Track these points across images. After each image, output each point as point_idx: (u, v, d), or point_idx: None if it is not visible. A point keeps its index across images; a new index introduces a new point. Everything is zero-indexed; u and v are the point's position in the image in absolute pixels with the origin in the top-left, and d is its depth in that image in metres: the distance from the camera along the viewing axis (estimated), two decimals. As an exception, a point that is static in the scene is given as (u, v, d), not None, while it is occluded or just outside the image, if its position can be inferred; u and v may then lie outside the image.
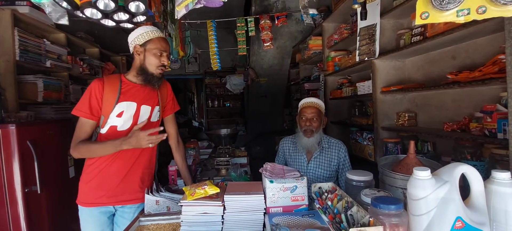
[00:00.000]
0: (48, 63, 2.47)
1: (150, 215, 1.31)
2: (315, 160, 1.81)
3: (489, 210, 0.82)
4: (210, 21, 3.23)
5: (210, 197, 1.14)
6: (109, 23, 1.13)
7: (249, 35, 3.38)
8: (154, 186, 1.44)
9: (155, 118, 1.50)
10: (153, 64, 1.39)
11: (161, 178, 1.98)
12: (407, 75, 2.19)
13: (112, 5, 1.14)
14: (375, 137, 2.23)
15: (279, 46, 4.23)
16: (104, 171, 1.37)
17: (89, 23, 3.40)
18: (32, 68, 2.36)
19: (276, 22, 3.31)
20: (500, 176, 0.83)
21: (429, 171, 0.82)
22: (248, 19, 3.27)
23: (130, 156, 1.42)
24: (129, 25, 1.22)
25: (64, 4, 1.09)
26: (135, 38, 1.40)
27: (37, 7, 2.40)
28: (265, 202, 1.13)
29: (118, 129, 1.39)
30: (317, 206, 1.11)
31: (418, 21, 0.75)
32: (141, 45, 1.39)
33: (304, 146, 1.80)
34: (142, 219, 1.28)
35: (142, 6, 1.21)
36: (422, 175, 0.82)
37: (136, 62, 1.43)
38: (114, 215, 1.45)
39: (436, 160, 1.41)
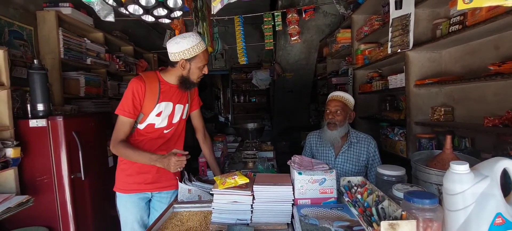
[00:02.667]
0: (88, 61, 2.66)
1: (183, 202, 1.39)
2: (343, 155, 1.79)
3: (534, 208, 0.77)
4: (237, 17, 3.28)
5: (240, 187, 1.17)
6: (149, 18, 1.20)
7: (276, 29, 3.37)
8: (186, 176, 1.52)
9: (185, 115, 1.60)
10: (196, 76, 1.45)
11: (190, 169, 2.07)
12: (444, 67, 2.07)
13: (153, 1, 1.21)
14: (408, 132, 2.15)
15: (306, 40, 4.18)
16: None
17: (123, 22, 3.60)
18: (75, 65, 2.55)
19: (304, 15, 3.27)
20: (548, 172, 0.77)
21: (467, 164, 0.79)
22: (275, 14, 3.27)
23: (166, 149, 1.52)
24: (167, 20, 1.28)
25: (111, 1, 1.17)
26: (181, 52, 1.38)
27: (78, 8, 2.59)
28: (293, 194, 1.15)
29: (156, 126, 1.48)
30: (346, 199, 1.10)
31: (460, 6, 0.72)
32: (187, 60, 1.41)
33: (327, 139, 1.80)
34: (176, 206, 1.36)
35: (179, 1, 1.26)
36: (459, 169, 0.79)
37: (177, 71, 1.44)
38: (150, 200, 1.55)
39: (475, 157, 1.33)
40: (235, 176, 1.20)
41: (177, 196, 1.45)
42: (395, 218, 0.84)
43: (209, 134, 1.80)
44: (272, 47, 3.49)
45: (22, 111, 2.01)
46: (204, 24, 2.26)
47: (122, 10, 1.17)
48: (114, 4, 1.15)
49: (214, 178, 1.26)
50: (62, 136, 1.91)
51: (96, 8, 1.24)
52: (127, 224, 1.50)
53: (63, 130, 1.91)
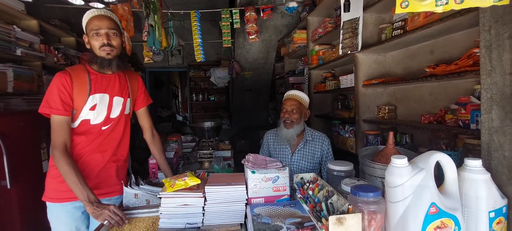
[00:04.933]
0: (18, 52, 2.32)
1: (128, 208, 1.27)
2: (299, 153, 1.83)
3: (461, 196, 0.85)
4: (193, 12, 3.16)
5: (191, 189, 1.11)
6: (77, 1, 1.05)
7: (234, 27, 3.33)
8: (133, 179, 1.39)
9: (127, 110, 1.45)
10: (97, 45, 1.27)
11: (142, 172, 1.93)
12: (388, 69, 2.23)
13: (79, -20, 1.06)
14: (357, 130, 2.28)
15: (264, 40, 4.21)
16: (78, 164, 1.30)
17: (65, 10, 3.24)
18: (1, 57, 2.21)
19: (262, 14, 3.28)
20: (472, 163, 0.86)
21: (406, 159, 0.84)
22: (233, 11, 3.22)
23: (107, 149, 1.38)
24: (100, 5, 1.15)
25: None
26: (84, 29, 1.31)
27: (6, -9, 2.25)
28: (247, 193, 1.12)
29: (91, 122, 1.32)
30: (299, 196, 1.11)
31: (398, 10, 0.76)
32: (85, 34, 1.32)
33: (284, 137, 1.82)
34: (120, 212, 1.24)
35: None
36: (399, 163, 0.83)
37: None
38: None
39: (413, 151, 1.45)
40: (186, 177, 1.14)
41: (121, 202, 1.33)
42: (343, 212, 0.86)
43: (164, 133, 1.68)
44: (230, 45, 3.44)
45: None
46: (156, 16, 2.13)
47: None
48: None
49: (163, 180, 1.18)
50: (-19, 137, 1.64)
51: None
52: None
53: (-18, 130, 1.64)
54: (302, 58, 3.61)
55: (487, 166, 0.94)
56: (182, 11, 3.11)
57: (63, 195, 1.28)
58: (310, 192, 1.09)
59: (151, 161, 1.73)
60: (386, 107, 2.10)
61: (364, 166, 1.24)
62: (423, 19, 1.53)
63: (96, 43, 1.28)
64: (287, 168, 1.18)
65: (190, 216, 1.07)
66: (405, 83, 1.87)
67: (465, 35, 1.56)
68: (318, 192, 1.07)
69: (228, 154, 2.48)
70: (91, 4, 1.10)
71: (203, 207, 1.08)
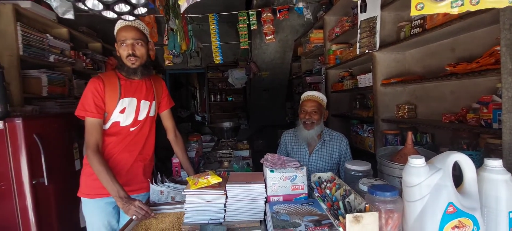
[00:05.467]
0: (51, 58, 2.50)
1: (155, 204, 1.36)
2: (317, 153, 1.84)
3: (480, 196, 0.85)
4: (212, 15, 3.24)
5: (213, 186, 1.18)
6: (110, 15, 1.14)
7: (251, 28, 3.39)
8: (159, 177, 1.48)
9: (152, 112, 1.55)
10: (124, 55, 1.39)
11: (165, 170, 2.03)
12: (407, 67, 2.20)
13: (113, -5, 1.15)
14: (375, 129, 2.26)
15: (281, 40, 4.24)
16: (109, 163, 1.41)
17: (90, 17, 3.42)
18: (36, 63, 2.39)
19: (278, 15, 3.31)
20: (492, 163, 0.86)
21: (423, 159, 0.85)
22: (250, 13, 3.28)
23: (134, 149, 1.47)
24: (131, 17, 1.23)
25: (68, -5, 1.11)
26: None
27: (39, 2, 2.42)
28: (266, 191, 1.17)
29: (121, 124, 1.43)
30: (316, 194, 1.14)
31: (413, 12, 0.77)
32: (116, 41, 1.43)
33: (304, 138, 1.83)
34: (147, 208, 1.32)
35: (142, -3, 1.20)
36: (416, 162, 0.85)
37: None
38: (119, 204, 1.50)
39: (434, 151, 1.43)
40: (208, 176, 1.20)
41: (148, 198, 1.42)
42: (360, 211, 0.89)
43: (184, 133, 1.77)
44: (247, 46, 3.51)
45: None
46: (177, 21, 2.22)
47: (80, 5, 1.10)
48: (72, -1, 1.08)
49: (187, 178, 1.25)
50: (22, 138, 1.79)
51: (54, 4, 1.17)
52: (93, 229, 1.44)
53: (23, 132, 1.79)
54: (319, 58, 3.60)
55: (509, 166, 0.93)
56: (201, 15, 3.21)
57: (97, 191, 1.40)
58: (328, 191, 1.11)
59: (174, 160, 1.81)
60: (406, 107, 2.07)
61: (382, 165, 1.25)
62: (442, 17, 1.51)
63: (123, 53, 1.40)
64: (305, 167, 1.22)
65: (213, 212, 1.13)
66: (425, 81, 1.84)
67: (486, 33, 1.52)
68: (336, 191, 1.09)
69: (246, 153, 2.54)
70: (123, 17, 1.20)
71: (225, 204, 1.14)
